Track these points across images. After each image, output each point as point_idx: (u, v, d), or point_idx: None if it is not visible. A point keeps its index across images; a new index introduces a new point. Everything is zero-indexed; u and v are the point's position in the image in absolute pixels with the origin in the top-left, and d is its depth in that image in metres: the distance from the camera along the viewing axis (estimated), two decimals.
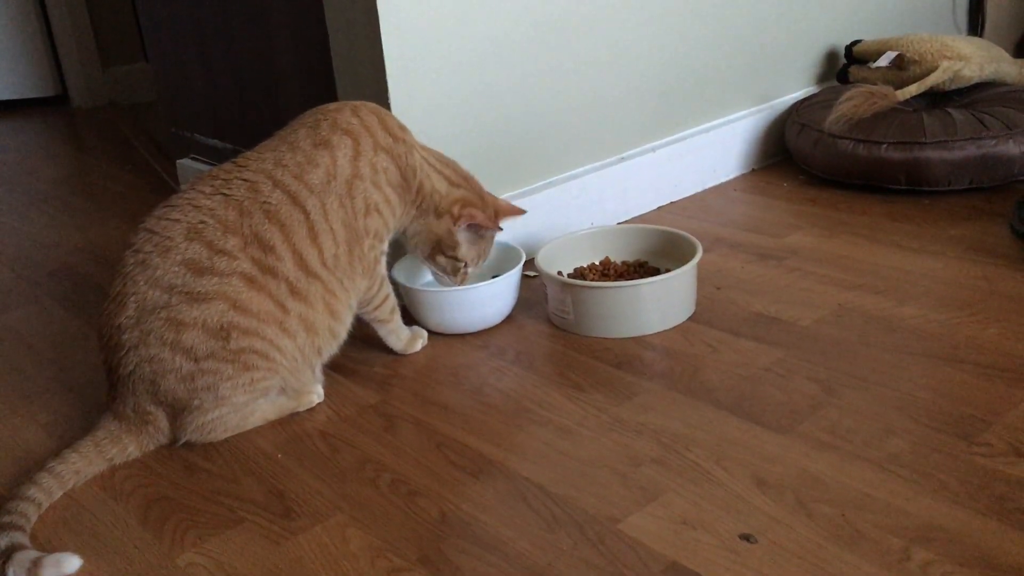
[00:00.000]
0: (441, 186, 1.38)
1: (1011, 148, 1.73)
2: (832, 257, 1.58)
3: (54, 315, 1.70)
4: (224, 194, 1.23)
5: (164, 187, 2.33)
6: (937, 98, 1.97)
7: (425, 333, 1.44)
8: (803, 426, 1.14)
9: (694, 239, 1.47)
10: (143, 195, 2.33)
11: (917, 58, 1.94)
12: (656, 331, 1.39)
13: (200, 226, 1.20)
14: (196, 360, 1.17)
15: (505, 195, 1.67)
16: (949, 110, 1.83)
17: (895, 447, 1.08)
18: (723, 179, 1.99)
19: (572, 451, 1.14)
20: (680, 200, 1.91)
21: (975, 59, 1.92)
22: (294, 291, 1.22)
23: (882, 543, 0.94)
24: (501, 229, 1.42)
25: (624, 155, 1.82)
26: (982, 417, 1.12)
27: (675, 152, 1.88)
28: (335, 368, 1.39)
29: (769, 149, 2.06)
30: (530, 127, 1.67)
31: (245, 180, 1.24)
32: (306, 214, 1.24)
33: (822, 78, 2.16)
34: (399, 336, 1.40)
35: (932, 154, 1.74)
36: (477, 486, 1.10)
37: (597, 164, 1.79)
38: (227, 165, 1.27)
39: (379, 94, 1.46)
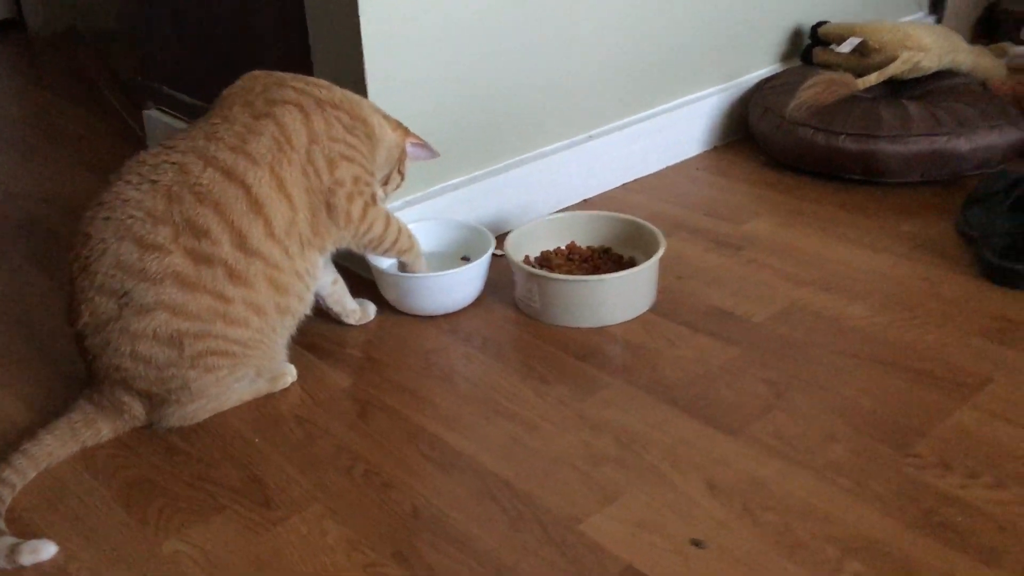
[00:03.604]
0: (375, 106, 1.41)
1: (961, 145, 1.80)
2: (786, 249, 1.65)
3: (27, 275, 1.72)
4: (152, 181, 1.20)
5: (132, 135, 2.32)
6: (895, 85, 2.03)
7: (373, 308, 1.50)
8: (752, 429, 1.22)
9: (657, 231, 1.52)
10: (110, 142, 2.33)
11: (879, 46, 1.99)
12: (619, 321, 1.46)
13: (129, 221, 1.18)
14: (159, 368, 1.20)
15: (476, 173, 1.71)
16: (905, 102, 1.89)
17: (835, 455, 1.17)
18: (687, 156, 2.05)
19: (537, 447, 1.21)
20: (645, 177, 1.96)
21: (934, 50, 1.98)
22: (233, 275, 1.21)
23: (819, 552, 1.03)
24: (439, 155, 1.48)
25: (592, 133, 1.87)
26: (916, 427, 1.21)
27: (642, 130, 1.93)
28: (309, 348, 1.44)
29: (732, 126, 2.11)
30: (500, 106, 1.70)
31: (173, 163, 1.21)
32: (246, 187, 1.21)
33: (788, 56, 2.20)
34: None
35: (887, 147, 1.81)
36: (447, 480, 1.17)
37: (565, 142, 1.83)
38: (154, 148, 1.24)
39: (355, 63, 1.48)
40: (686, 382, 1.32)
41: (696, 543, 1.05)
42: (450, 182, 1.68)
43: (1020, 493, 1.09)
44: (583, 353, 1.40)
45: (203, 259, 1.19)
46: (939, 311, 1.45)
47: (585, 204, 1.85)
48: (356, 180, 1.32)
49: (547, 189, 1.80)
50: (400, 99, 1.53)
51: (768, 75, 2.13)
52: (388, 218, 1.38)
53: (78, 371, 1.32)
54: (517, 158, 1.76)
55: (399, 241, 1.40)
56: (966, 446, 1.17)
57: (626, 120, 1.91)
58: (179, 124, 2.04)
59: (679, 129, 2.00)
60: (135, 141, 2.26)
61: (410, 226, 1.55)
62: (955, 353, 1.35)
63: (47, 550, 1.08)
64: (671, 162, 2.02)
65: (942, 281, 1.53)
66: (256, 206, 1.22)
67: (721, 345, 1.40)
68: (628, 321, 1.47)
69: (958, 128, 1.81)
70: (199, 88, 1.98)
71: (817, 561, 1.02)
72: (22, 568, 1.06)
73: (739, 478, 1.14)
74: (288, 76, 1.33)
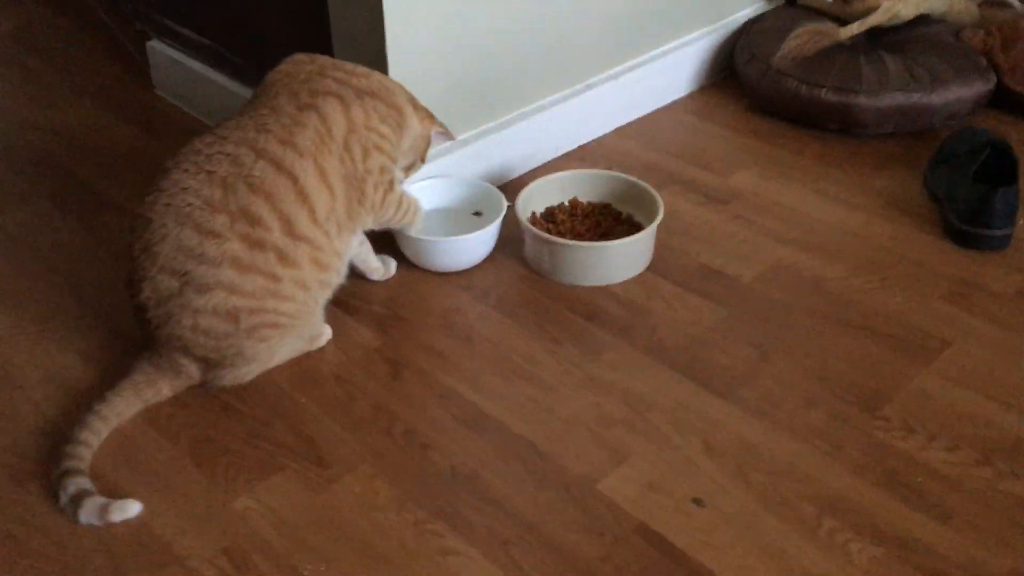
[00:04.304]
0: (407, 93, 1.52)
1: (934, 99, 1.93)
2: (769, 204, 1.79)
3: (53, 219, 1.80)
4: (209, 171, 1.31)
5: (131, 62, 2.35)
6: (874, 32, 2.13)
7: (394, 264, 1.63)
8: (742, 392, 1.39)
9: (655, 194, 1.65)
10: (111, 70, 2.35)
11: None
12: (621, 281, 1.61)
13: (188, 209, 1.30)
14: (217, 338, 1.33)
15: (481, 128, 1.82)
16: (883, 54, 2.01)
17: (814, 418, 1.35)
18: (676, 97, 2.15)
19: (554, 408, 1.38)
20: (636, 120, 2.07)
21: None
22: (282, 258, 1.34)
23: (800, 511, 1.22)
24: (455, 138, 1.62)
25: (589, 82, 1.96)
26: (883, 391, 1.39)
27: (634, 75, 2.02)
28: (337, 304, 1.56)
29: (719, 66, 2.21)
30: (502, 63, 1.79)
31: (227, 154, 1.32)
32: (294, 179, 1.33)
33: None
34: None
35: (864, 101, 1.93)
36: (478, 441, 1.33)
37: (563, 93, 1.93)
38: (208, 138, 1.35)
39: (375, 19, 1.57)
40: (682, 344, 1.48)
41: (697, 502, 1.23)
42: (459, 139, 1.78)
43: (970, 455, 1.29)
44: (589, 313, 1.55)
45: (256, 244, 1.31)
46: (905, 274, 1.62)
47: (581, 151, 1.97)
48: (382, 170, 1.44)
49: (546, 140, 1.91)
50: (415, 64, 1.62)
51: (754, 15, 2.22)
52: (400, 200, 1.51)
53: (126, 324, 1.44)
54: (518, 111, 1.86)
55: (405, 218, 1.54)
56: (926, 410, 1.36)
57: (619, 68, 2.01)
58: (185, 59, 2.09)
59: (669, 72, 2.10)
60: (136, 70, 2.30)
61: (423, 183, 1.68)
62: (918, 317, 1.52)
63: (133, 508, 1.23)
64: (661, 104, 2.12)
65: (909, 241, 1.69)
66: (302, 195, 1.33)
67: (712, 306, 1.56)
68: (629, 280, 1.62)
69: (931, 83, 1.94)
70: (203, 24, 2.02)
71: (799, 518, 1.21)
72: (112, 525, 1.22)
73: (732, 440, 1.32)
74: (329, 63, 1.42)
